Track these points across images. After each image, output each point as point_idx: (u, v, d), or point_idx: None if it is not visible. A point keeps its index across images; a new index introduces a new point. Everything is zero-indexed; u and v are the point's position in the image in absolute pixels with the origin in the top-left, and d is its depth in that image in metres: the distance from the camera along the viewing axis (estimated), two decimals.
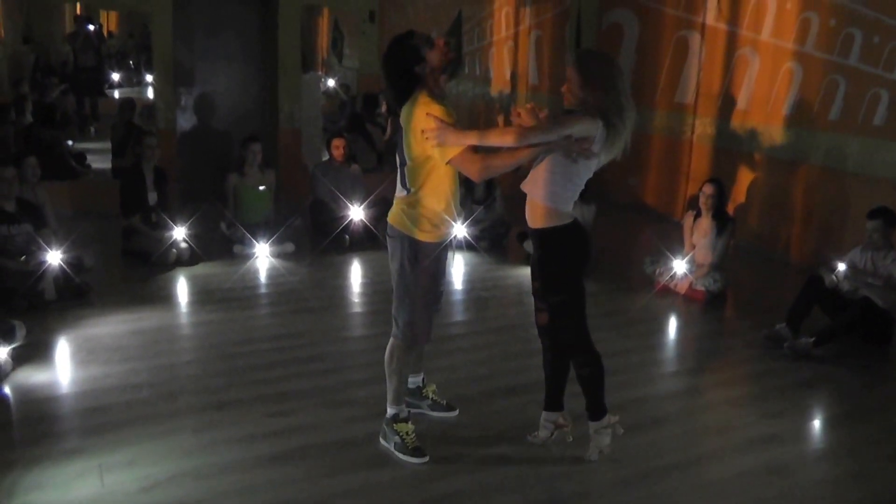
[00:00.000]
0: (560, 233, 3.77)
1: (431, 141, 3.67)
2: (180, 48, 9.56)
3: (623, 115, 3.66)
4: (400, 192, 3.92)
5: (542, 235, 3.80)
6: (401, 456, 4.02)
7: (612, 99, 3.65)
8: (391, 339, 4.08)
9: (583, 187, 3.82)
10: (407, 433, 4.04)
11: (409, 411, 4.14)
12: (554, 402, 4.15)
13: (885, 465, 4.26)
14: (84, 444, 4.06)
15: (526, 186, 3.80)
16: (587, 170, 3.77)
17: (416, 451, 4.01)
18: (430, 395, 4.52)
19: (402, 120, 3.81)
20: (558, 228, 3.76)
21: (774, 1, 8.09)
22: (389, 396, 4.10)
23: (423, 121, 3.68)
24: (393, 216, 3.95)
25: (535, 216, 3.79)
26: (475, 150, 3.72)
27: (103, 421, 4.30)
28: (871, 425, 4.71)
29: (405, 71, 3.77)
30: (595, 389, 3.95)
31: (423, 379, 4.53)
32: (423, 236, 3.86)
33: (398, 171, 3.90)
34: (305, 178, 9.05)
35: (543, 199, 3.74)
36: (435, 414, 4.48)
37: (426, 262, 3.90)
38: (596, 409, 3.97)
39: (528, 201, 3.82)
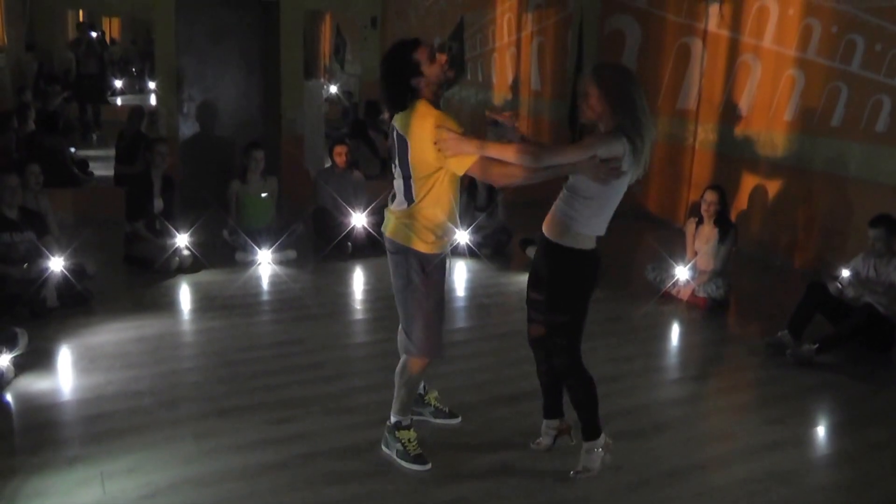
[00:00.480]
0: (576, 256, 3.69)
1: (446, 152, 3.57)
2: (183, 55, 9.58)
3: (642, 131, 3.56)
4: (400, 205, 3.81)
5: (554, 250, 3.71)
6: (403, 463, 4.01)
7: (631, 114, 3.55)
8: (404, 356, 3.98)
9: (613, 210, 3.72)
10: (409, 440, 4.03)
11: (411, 419, 4.12)
12: (553, 409, 4.14)
13: (889, 471, 4.25)
14: (86, 452, 4.06)
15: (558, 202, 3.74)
16: (619, 190, 3.66)
17: (418, 459, 4.00)
18: (433, 402, 4.51)
19: (400, 129, 3.70)
20: (575, 251, 3.68)
21: (776, 7, 8.10)
22: (395, 406, 4.06)
23: (434, 133, 3.57)
24: (393, 230, 3.85)
25: (553, 227, 3.71)
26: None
27: (105, 428, 4.31)
28: (875, 432, 4.70)
29: (402, 82, 3.67)
30: (588, 412, 3.89)
31: (425, 386, 4.51)
32: (428, 248, 3.79)
33: (402, 183, 3.77)
34: (308, 184, 9.06)
35: (564, 214, 3.66)
36: (437, 421, 4.47)
37: (433, 272, 3.84)
38: (590, 430, 3.93)
39: (552, 209, 3.74)
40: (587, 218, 3.65)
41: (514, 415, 4.61)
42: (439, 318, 3.93)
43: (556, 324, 3.78)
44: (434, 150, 3.60)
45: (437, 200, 3.73)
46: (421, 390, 4.48)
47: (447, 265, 3.99)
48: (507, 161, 3.56)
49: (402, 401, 4.04)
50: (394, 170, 3.84)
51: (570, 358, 3.82)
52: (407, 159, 3.69)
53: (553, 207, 3.76)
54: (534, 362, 4.14)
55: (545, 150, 3.59)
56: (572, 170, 3.57)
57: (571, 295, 3.76)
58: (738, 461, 4.28)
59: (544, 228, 3.78)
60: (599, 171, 3.53)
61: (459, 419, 4.50)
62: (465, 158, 3.60)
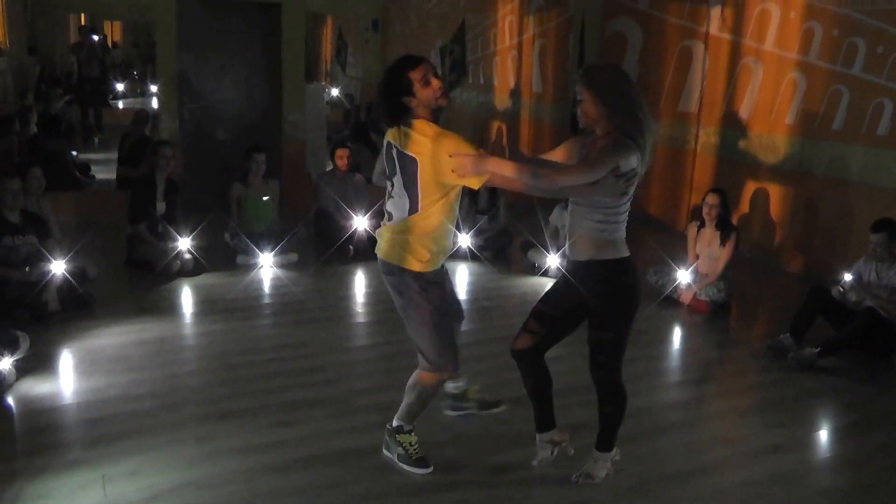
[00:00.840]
0: (624, 265, 3.62)
1: (460, 171, 3.48)
2: (184, 58, 9.59)
3: (643, 129, 3.48)
4: (399, 221, 3.72)
5: (599, 269, 3.60)
6: (405, 467, 4.00)
7: (629, 114, 3.47)
8: (418, 370, 3.90)
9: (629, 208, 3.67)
10: (410, 444, 4.02)
11: (414, 425, 4.07)
12: (545, 422, 4.00)
13: (891, 475, 4.24)
14: (87, 455, 4.06)
15: (570, 222, 3.65)
16: (630, 192, 3.60)
17: (419, 462, 4.00)
18: (475, 396, 4.42)
19: (399, 147, 3.62)
20: (620, 261, 3.61)
21: (778, 11, 8.10)
22: (401, 412, 4.02)
23: (446, 155, 3.49)
24: (387, 251, 3.75)
25: (588, 247, 3.60)
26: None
27: (106, 431, 4.31)
28: (877, 435, 4.69)
29: (395, 98, 3.60)
30: (613, 426, 3.87)
31: (466, 381, 4.41)
32: (423, 266, 3.70)
33: (406, 201, 3.65)
34: (309, 187, 9.07)
35: (596, 230, 3.57)
36: (485, 413, 4.40)
37: (431, 288, 3.75)
38: (606, 442, 3.90)
39: (577, 233, 3.62)
40: (616, 223, 3.59)
41: (517, 417, 4.59)
42: (447, 329, 3.83)
43: (602, 341, 3.69)
44: (449, 172, 3.51)
45: (442, 210, 3.65)
46: (462, 387, 4.38)
47: (445, 275, 3.91)
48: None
49: (408, 409, 3.99)
50: (390, 187, 3.75)
51: (612, 374, 3.75)
52: (416, 178, 3.59)
53: (574, 230, 3.64)
54: None
55: (561, 172, 3.47)
56: (592, 190, 3.46)
57: (623, 310, 3.65)
58: (739, 464, 4.27)
59: (576, 254, 3.66)
60: (620, 188, 3.47)
61: (505, 406, 4.42)
62: (482, 176, 3.52)
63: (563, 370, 5.18)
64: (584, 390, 4.84)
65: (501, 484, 3.94)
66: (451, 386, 4.31)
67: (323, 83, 15.84)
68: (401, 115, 3.63)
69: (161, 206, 7.33)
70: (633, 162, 3.46)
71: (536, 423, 4.02)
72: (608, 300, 3.64)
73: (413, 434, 4.04)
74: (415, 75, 3.57)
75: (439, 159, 3.52)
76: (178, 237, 7.22)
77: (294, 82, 9.98)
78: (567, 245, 3.75)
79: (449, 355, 3.81)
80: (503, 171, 3.46)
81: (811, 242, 7.87)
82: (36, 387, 4.85)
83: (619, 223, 3.61)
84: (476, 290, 7.28)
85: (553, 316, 3.82)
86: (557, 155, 3.73)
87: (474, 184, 3.57)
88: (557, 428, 4.02)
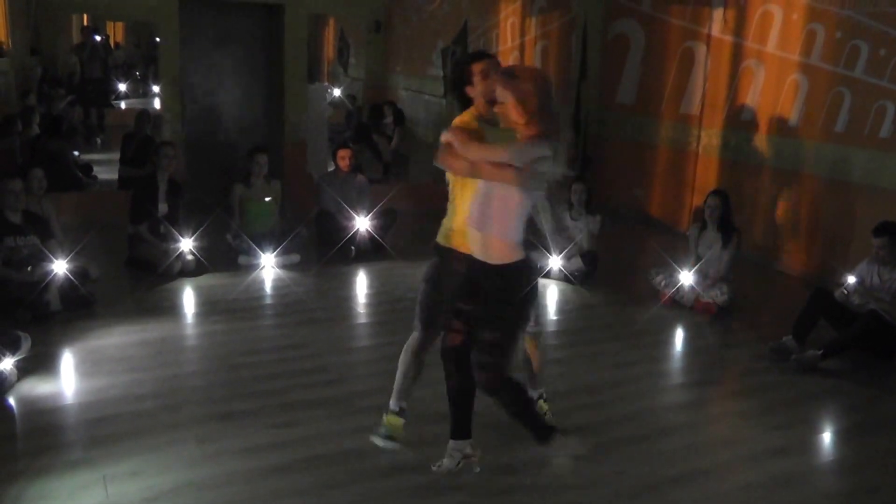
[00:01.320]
0: (530, 264, 3.70)
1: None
2: (187, 59, 9.59)
3: (560, 135, 3.57)
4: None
5: (509, 272, 3.58)
6: (375, 440, 4.07)
7: (550, 120, 3.52)
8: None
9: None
10: (394, 426, 4.08)
11: (400, 407, 4.12)
12: (462, 430, 3.89)
13: (893, 477, 4.24)
14: (88, 455, 4.06)
15: (479, 222, 3.59)
16: (535, 195, 3.62)
17: (387, 439, 4.07)
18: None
19: None
20: (527, 260, 3.66)
21: (780, 12, 8.09)
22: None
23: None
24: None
25: (497, 251, 3.56)
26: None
27: (108, 432, 4.30)
28: (879, 438, 4.69)
29: (459, 88, 3.87)
30: (531, 417, 3.77)
31: (541, 395, 4.46)
32: (440, 239, 3.93)
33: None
34: (311, 188, 9.06)
35: (505, 235, 3.54)
36: None
37: (434, 259, 3.96)
38: (543, 432, 3.76)
39: (485, 237, 3.58)
40: (511, 227, 3.56)
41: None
42: (427, 296, 4.00)
43: (495, 342, 3.59)
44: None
45: (459, 188, 3.83)
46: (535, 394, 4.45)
47: (451, 261, 3.89)
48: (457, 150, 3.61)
49: (395, 383, 4.16)
50: None
51: (499, 374, 3.62)
52: None
53: (477, 234, 3.60)
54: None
55: (473, 144, 3.54)
56: (523, 178, 3.46)
57: (521, 308, 3.67)
58: (741, 467, 4.27)
59: (491, 257, 3.59)
60: (527, 180, 3.52)
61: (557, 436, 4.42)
62: (443, 146, 3.70)
63: (563, 372, 5.20)
64: (584, 393, 4.87)
65: (502, 485, 3.94)
66: None
67: (325, 84, 15.83)
68: (466, 105, 3.88)
69: (163, 207, 7.33)
70: (545, 151, 3.47)
71: (452, 430, 3.89)
72: (513, 302, 3.63)
73: (399, 417, 4.10)
74: (475, 68, 3.82)
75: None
76: (180, 238, 7.21)
77: (296, 83, 9.98)
78: (477, 248, 3.65)
79: (418, 318, 4.04)
80: (457, 141, 3.56)
81: (813, 244, 7.86)
82: (37, 387, 4.85)
83: (523, 224, 3.63)
84: None
85: (476, 313, 3.73)
86: None
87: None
88: (471, 441, 3.90)
